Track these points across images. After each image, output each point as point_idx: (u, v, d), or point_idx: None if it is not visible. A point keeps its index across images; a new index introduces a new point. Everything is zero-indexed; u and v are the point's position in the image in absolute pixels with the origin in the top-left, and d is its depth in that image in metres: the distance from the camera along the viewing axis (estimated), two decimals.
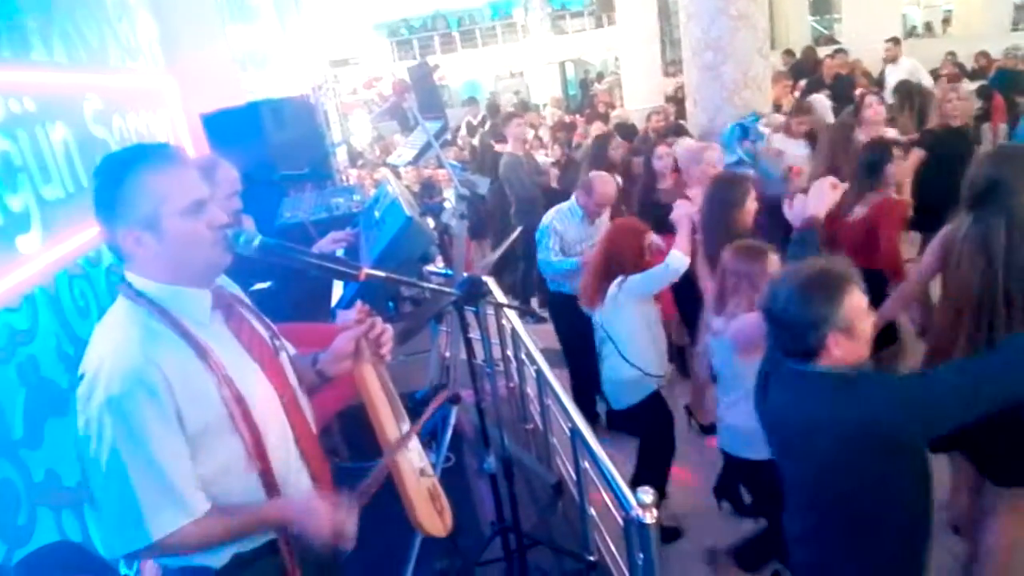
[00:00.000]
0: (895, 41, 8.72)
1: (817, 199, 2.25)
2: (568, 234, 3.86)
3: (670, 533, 3.20)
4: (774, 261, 2.43)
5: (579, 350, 3.73)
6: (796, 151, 4.81)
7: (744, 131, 4.94)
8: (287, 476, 1.52)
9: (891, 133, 4.66)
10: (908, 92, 5.83)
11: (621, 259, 3.03)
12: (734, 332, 2.44)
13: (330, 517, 1.43)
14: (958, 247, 2.27)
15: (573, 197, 3.93)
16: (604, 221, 3.95)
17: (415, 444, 1.78)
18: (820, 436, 1.66)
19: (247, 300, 1.66)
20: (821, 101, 6.13)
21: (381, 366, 1.73)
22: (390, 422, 1.66)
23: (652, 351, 3.07)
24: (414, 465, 1.69)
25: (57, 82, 2.67)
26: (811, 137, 4.89)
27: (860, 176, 3.50)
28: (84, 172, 2.66)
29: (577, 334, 3.62)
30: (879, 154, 3.46)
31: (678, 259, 2.94)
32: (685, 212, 3.06)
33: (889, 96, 6.25)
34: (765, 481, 2.37)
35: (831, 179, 2.27)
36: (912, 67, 7.96)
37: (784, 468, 1.90)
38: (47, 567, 1.64)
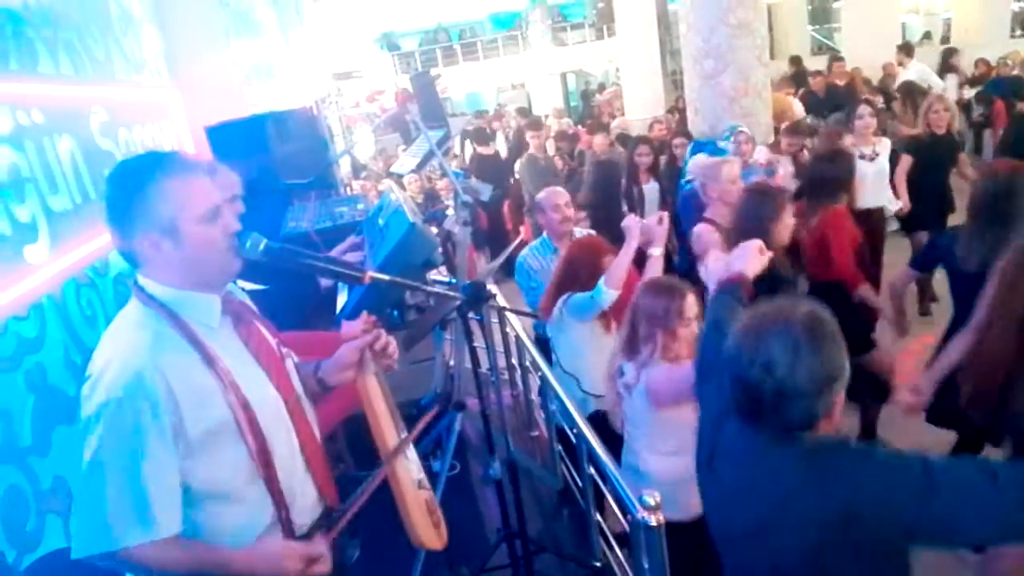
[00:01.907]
0: (906, 48, 8.75)
1: (742, 259, 1.94)
2: (541, 273, 3.47)
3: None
4: (691, 301, 2.23)
5: None
6: (780, 169, 4.74)
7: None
8: (292, 484, 1.53)
9: (884, 142, 4.67)
10: (910, 92, 5.89)
11: (576, 276, 2.92)
12: (650, 384, 2.20)
13: (301, 567, 1.42)
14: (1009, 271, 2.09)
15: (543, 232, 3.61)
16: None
17: (413, 456, 1.77)
18: (787, 525, 1.35)
19: (253, 307, 1.67)
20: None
21: (382, 378, 1.73)
22: (390, 433, 1.66)
23: (591, 368, 2.89)
24: (412, 476, 1.69)
25: (64, 95, 2.70)
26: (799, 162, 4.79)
27: (809, 188, 3.59)
28: (91, 183, 2.69)
29: None
30: (827, 166, 3.54)
31: (602, 293, 2.73)
32: (635, 224, 2.91)
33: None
34: (684, 546, 2.10)
35: (758, 243, 1.99)
36: (921, 71, 8.00)
37: (729, 553, 1.58)
38: (55, 573, 1.65)
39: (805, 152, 4.82)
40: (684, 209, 4.25)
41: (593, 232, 3.68)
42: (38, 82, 2.53)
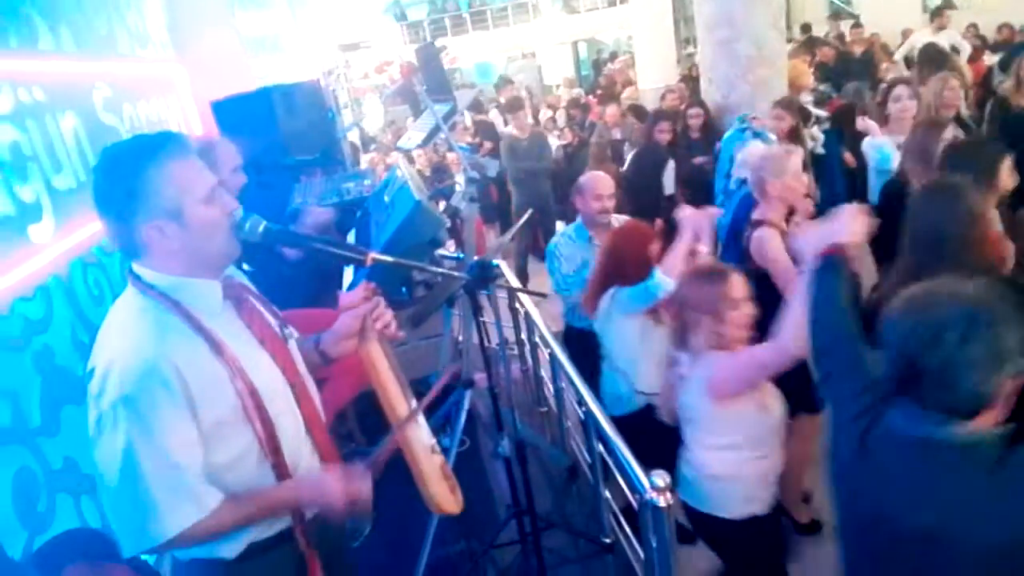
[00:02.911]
0: (939, 12, 8.41)
1: (841, 226, 1.78)
2: (574, 261, 3.27)
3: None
4: (737, 282, 2.10)
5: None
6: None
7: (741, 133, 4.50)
8: (299, 465, 1.53)
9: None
10: (932, 59, 5.59)
11: (622, 266, 2.68)
12: (706, 375, 2.07)
13: (342, 487, 1.44)
14: None
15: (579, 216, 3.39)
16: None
17: (423, 423, 1.76)
18: (968, 536, 1.24)
19: (254, 289, 1.65)
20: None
21: (388, 347, 1.71)
22: (399, 399, 1.64)
23: (645, 364, 2.69)
24: (424, 442, 1.68)
25: (66, 71, 2.67)
26: (793, 136, 4.40)
27: None
28: (95, 161, 2.67)
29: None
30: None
31: (659, 284, 2.53)
32: (691, 217, 2.67)
33: None
34: (739, 542, 2.18)
35: (857, 207, 1.81)
36: (951, 37, 7.71)
37: (864, 550, 1.47)
38: (67, 553, 1.66)
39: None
40: (741, 211, 3.49)
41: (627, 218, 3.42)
42: (39, 58, 2.50)
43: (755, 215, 2.89)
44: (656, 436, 2.44)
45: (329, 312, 1.96)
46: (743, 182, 3.74)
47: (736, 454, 2.10)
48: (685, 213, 2.72)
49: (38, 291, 2.13)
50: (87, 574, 1.65)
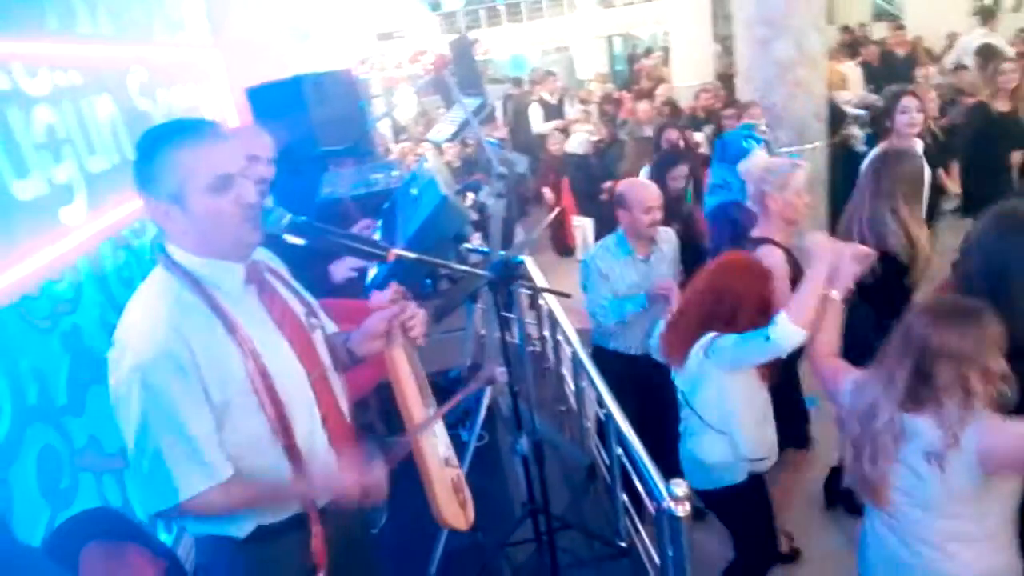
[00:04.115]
0: (986, 13, 8.21)
1: (848, 271, 1.98)
2: (615, 279, 2.96)
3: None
4: (994, 328, 1.62)
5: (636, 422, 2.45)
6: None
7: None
8: (314, 453, 1.53)
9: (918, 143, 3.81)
10: (992, 55, 5.52)
11: (731, 311, 2.23)
12: (985, 446, 1.59)
13: (355, 478, 1.45)
14: None
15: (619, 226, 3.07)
16: (668, 256, 3.09)
17: (441, 433, 1.74)
18: None
19: (286, 275, 1.65)
20: None
21: (412, 350, 1.70)
22: (417, 407, 1.64)
23: (751, 427, 2.30)
24: (439, 453, 1.67)
25: (102, 55, 2.70)
26: None
27: None
28: (129, 144, 2.70)
29: (631, 404, 2.57)
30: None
31: (786, 334, 2.04)
32: (827, 248, 2.09)
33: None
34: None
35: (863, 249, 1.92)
36: (995, 41, 7.54)
37: None
38: (85, 533, 1.69)
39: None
40: (714, 222, 3.41)
41: (670, 230, 3.16)
42: (76, 42, 2.53)
43: (756, 231, 2.69)
44: (764, 511, 2.29)
45: (355, 303, 1.96)
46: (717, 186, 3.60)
47: (993, 548, 1.72)
48: (818, 241, 2.14)
49: (68, 272, 2.16)
50: (104, 554, 1.68)
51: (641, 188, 3.00)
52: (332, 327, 1.74)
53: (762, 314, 2.18)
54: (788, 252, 2.61)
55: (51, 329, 2.02)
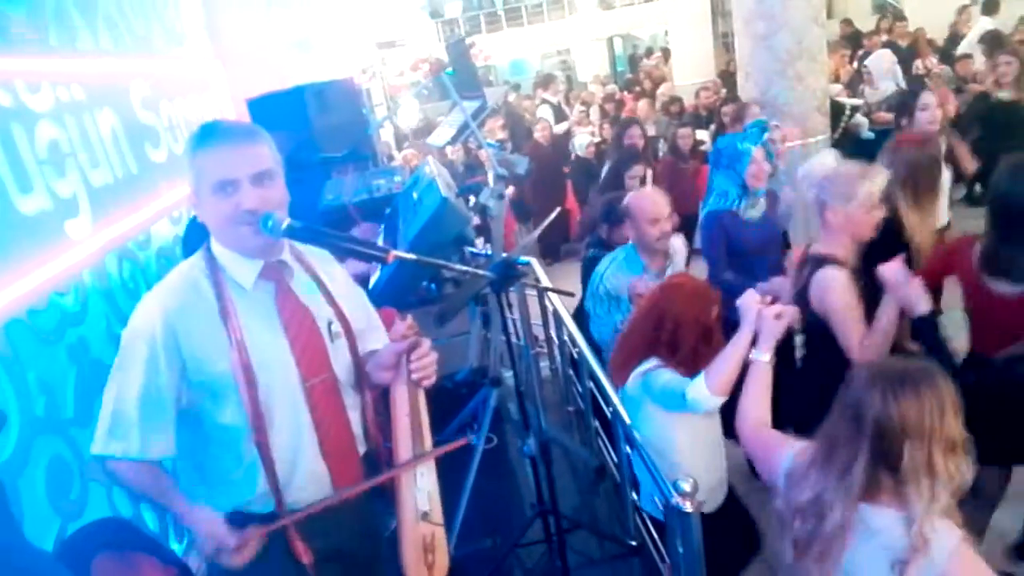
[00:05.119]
0: (990, 5, 8.20)
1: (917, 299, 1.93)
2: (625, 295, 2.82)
3: None
4: (949, 389, 1.39)
5: None
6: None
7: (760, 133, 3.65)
8: (295, 459, 1.54)
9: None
10: (999, 42, 5.50)
11: (671, 332, 2.12)
12: (950, 553, 1.34)
13: (215, 540, 1.47)
14: None
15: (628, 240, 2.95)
16: (680, 267, 3.01)
17: (427, 485, 1.66)
18: None
19: (325, 280, 1.65)
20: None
21: (417, 389, 1.67)
22: (405, 448, 1.63)
23: (689, 463, 2.11)
24: (418, 507, 1.62)
25: (104, 70, 2.72)
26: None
27: None
28: (133, 157, 2.72)
29: None
30: None
31: (700, 399, 1.94)
32: (756, 310, 1.91)
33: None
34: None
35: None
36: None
37: None
38: (95, 543, 1.69)
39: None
40: (707, 232, 3.23)
41: (680, 242, 3.03)
42: (77, 58, 2.56)
43: (816, 248, 2.34)
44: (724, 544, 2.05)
45: (389, 314, 1.96)
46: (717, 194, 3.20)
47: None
48: (749, 302, 1.95)
49: (74, 284, 2.18)
50: (115, 564, 1.69)
51: (644, 199, 2.86)
52: (379, 342, 1.74)
53: (704, 340, 2.09)
54: (856, 274, 2.24)
55: (57, 341, 2.04)
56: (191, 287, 1.49)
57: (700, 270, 3.45)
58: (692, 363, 2.09)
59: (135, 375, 1.44)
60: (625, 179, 3.66)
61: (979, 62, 6.44)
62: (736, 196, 3.13)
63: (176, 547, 2.40)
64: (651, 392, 2.11)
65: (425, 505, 1.63)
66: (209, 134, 1.48)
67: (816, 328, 2.28)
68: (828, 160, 3.06)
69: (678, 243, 3.05)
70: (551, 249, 7.33)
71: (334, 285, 1.67)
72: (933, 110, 3.47)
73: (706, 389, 1.93)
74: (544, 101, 9.31)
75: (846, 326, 2.17)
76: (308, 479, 1.56)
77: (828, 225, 2.31)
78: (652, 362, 2.14)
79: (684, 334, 2.11)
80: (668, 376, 2.09)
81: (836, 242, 2.29)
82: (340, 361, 1.62)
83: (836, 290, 2.18)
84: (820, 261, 2.27)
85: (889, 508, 1.40)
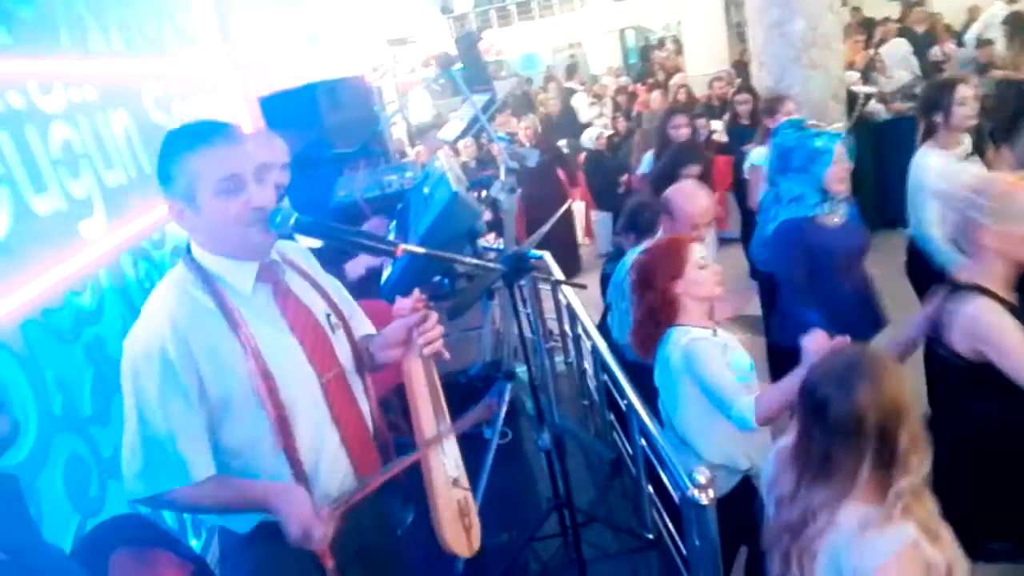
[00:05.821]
0: None
1: None
2: None
3: None
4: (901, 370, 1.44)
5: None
6: None
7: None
8: (320, 457, 1.52)
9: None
10: (1021, 24, 5.35)
11: (649, 285, 2.16)
12: None
13: (303, 517, 1.38)
14: None
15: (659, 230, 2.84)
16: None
17: (452, 452, 1.67)
18: None
19: (312, 272, 1.65)
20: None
21: (430, 362, 1.67)
22: (428, 422, 1.61)
23: (732, 439, 2.10)
24: (447, 472, 1.62)
25: (116, 71, 2.74)
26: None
27: None
28: (146, 157, 2.74)
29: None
30: None
31: (744, 418, 1.89)
32: (819, 346, 1.77)
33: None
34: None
35: None
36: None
37: None
38: (114, 539, 1.70)
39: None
40: (783, 245, 2.86)
41: (712, 235, 2.92)
42: (89, 59, 2.57)
43: (962, 275, 2.01)
44: (743, 524, 1.93)
45: (378, 304, 1.96)
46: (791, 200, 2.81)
47: None
48: (814, 347, 1.78)
49: (90, 284, 2.20)
50: (133, 560, 1.70)
51: (693, 203, 2.71)
52: (366, 328, 1.74)
53: (670, 280, 2.09)
54: (1009, 305, 1.93)
55: (74, 340, 2.05)
56: (190, 301, 1.42)
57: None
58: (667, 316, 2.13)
59: (152, 397, 1.36)
60: (680, 176, 3.39)
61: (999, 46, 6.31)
62: (816, 202, 2.74)
63: (194, 543, 2.41)
64: (693, 374, 2.04)
65: (454, 471, 1.65)
66: (198, 134, 1.41)
67: (953, 369, 1.97)
68: (975, 172, 2.76)
69: (709, 236, 2.93)
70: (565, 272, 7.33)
71: (319, 277, 1.66)
72: (971, 103, 3.14)
73: (752, 416, 1.88)
74: (572, 92, 9.44)
75: (1014, 359, 1.83)
76: (333, 474, 1.56)
77: (978, 248, 1.97)
78: (680, 330, 2.10)
79: (659, 282, 2.13)
80: (715, 367, 2.00)
81: (986, 268, 1.96)
82: (343, 352, 1.62)
83: (995, 323, 1.87)
84: (966, 289, 1.96)
85: (859, 505, 1.39)
